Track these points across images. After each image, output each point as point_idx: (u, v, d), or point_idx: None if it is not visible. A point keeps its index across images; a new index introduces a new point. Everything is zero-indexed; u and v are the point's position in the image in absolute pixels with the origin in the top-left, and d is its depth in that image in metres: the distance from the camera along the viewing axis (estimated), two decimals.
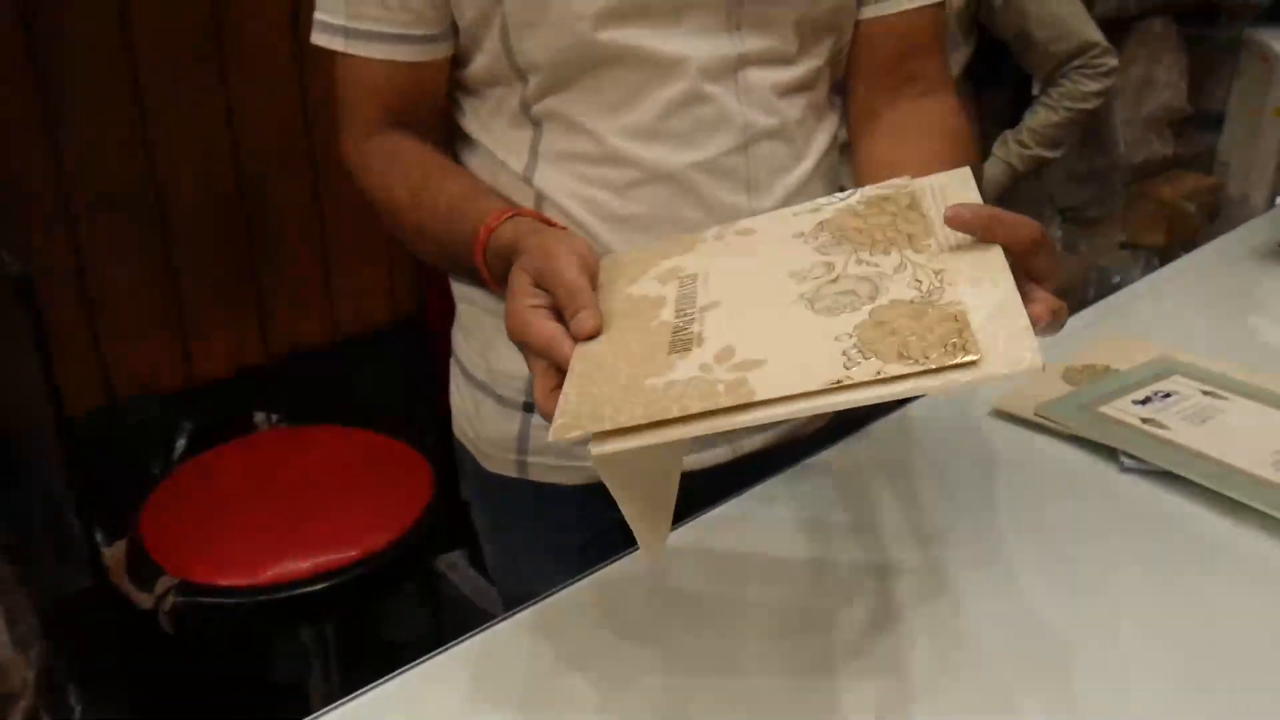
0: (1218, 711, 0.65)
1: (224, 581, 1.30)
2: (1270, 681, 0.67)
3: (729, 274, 0.65)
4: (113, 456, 1.57)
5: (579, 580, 0.77)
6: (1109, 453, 0.89)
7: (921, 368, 0.50)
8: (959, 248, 0.59)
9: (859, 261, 0.60)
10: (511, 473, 0.93)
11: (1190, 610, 0.73)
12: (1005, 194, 1.93)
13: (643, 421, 0.54)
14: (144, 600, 1.30)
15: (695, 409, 0.53)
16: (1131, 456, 0.88)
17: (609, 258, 0.71)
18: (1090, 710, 0.64)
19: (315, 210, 1.71)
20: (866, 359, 0.51)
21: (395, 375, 1.74)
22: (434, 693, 0.68)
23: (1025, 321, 0.52)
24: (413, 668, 0.70)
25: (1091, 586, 0.75)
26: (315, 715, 0.66)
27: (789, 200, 0.84)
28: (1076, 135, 1.94)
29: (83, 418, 1.54)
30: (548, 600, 0.75)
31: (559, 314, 0.64)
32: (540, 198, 0.83)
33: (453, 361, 0.99)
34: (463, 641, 0.72)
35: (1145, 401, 0.95)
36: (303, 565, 1.32)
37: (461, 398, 0.97)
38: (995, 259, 0.57)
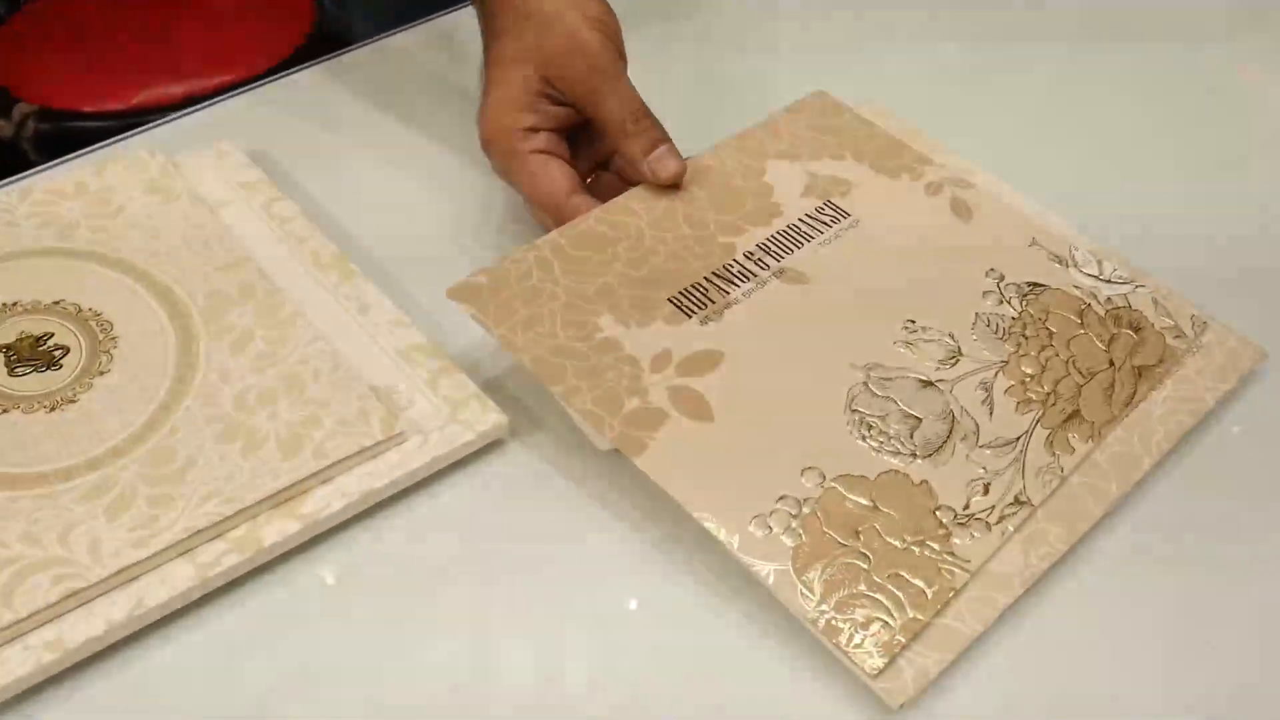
0: None
1: (89, 107, 1.20)
2: None
3: (866, 249, 0.50)
4: None
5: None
6: None
7: None
8: None
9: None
10: None
11: None
12: None
13: (525, 365, 0.44)
14: (3, 129, 1.20)
15: (576, 409, 0.43)
16: None
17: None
18: None
19: None
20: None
21: None
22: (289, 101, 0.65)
23: None
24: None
25: None
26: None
27: None
28: None
29: None
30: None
31: (568, 130, 0.52)
32: None
33: None
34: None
35: None
36: (174, 90, 1.23)
37: None
38: None
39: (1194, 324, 0.49)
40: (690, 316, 0.47)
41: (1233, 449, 0.46)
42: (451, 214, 0.57)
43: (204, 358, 0.46)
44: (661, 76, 0.56)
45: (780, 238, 0.51)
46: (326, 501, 0.42)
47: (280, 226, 0.53)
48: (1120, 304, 0.49)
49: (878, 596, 0.39)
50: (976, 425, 0.44)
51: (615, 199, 0.52)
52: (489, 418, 0.45)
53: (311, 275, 0.51)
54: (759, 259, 0.50)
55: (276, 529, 0.41)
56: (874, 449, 0.43)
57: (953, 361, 0.47)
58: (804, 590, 0.39)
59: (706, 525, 0.40)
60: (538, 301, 0.47)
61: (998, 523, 0.41)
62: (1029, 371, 0.46)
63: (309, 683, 0.38)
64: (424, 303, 0.51)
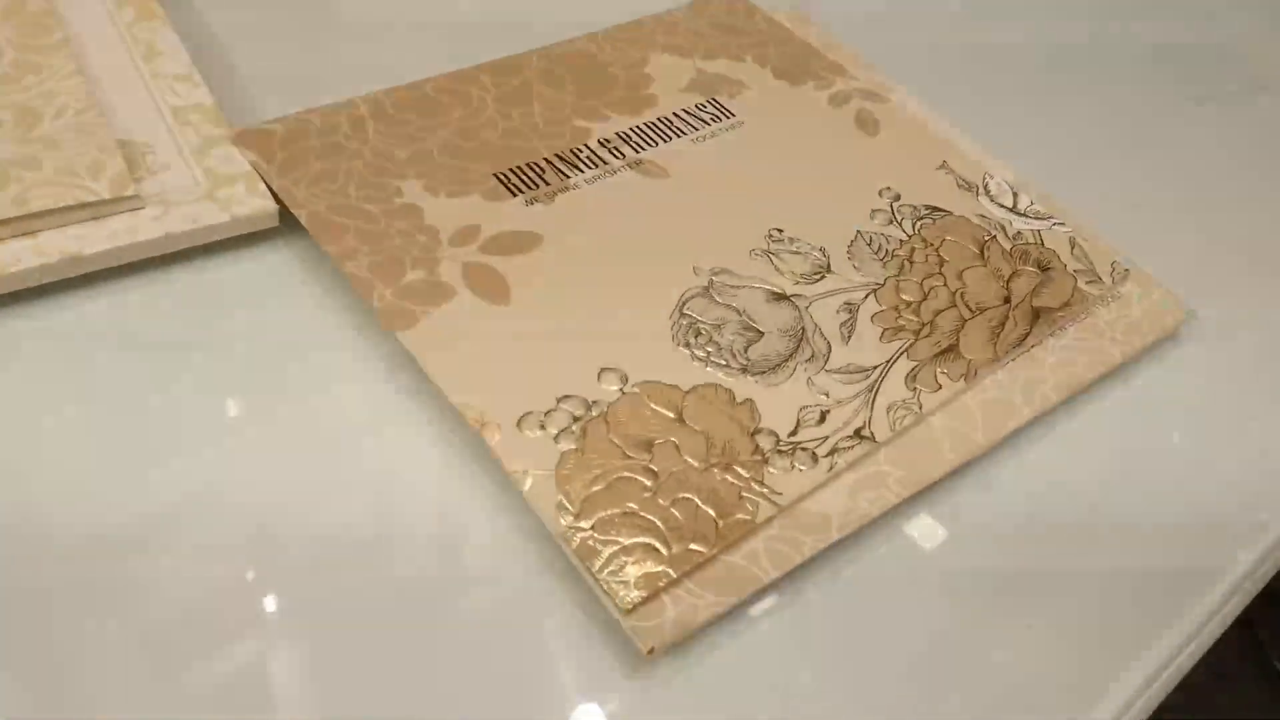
0: None
1: None
2: None
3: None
4: None
5: None
6: None
7: None
8: None
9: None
10: None
11: None
12: None
13: (302, 221, 0.38)
14: None
15: (348, 274, 0.36)
16: None
17: None
18: None
19: None
20: None
21: None
22: None
23: None
24: None
25: None
26: None
27: None
28: None
29: None
30: None
31: None
32: None
33: None
34: None
35: None
36: None
37: None
38: None
39: (1114, 271, 0.41)
40: (515, 195, 0.40)
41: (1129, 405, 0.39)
42: None
43: None
44: None
45: (646, 129, 0.44)
46: (17, 257, 0.34)
47: None
48: (1030, 240, 0.42)
49: (654, 520, 0.31)
50: (829, 347, 0.37)
51: (466, 68, 0.45)
52: (253, 202, 0.38)
53: (104, 6, 0.44)
54: (615, 147, 0.43)
55: None
56: (697, 358, 0.36)
57: (817, 277, 0.39)
58: (563, 501, 0.31)
59: (466, 415, 0.33)
60: (336, 158, 0.40)
61: (828, 455, 0.34)
62: (907, 298, 0.39)
63: None
64: (240, 69, 0.44)
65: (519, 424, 0.33)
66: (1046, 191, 0.45)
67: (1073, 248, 0.42)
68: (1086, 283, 0.41)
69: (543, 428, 0.33)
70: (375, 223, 0.38)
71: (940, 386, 0.36)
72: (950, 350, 0.37)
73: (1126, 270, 0.41)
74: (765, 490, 0.32)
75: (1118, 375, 0.39)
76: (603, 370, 0.35)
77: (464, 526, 0.32)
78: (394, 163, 0.40)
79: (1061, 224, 0.43)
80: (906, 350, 0.37)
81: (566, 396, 0.34)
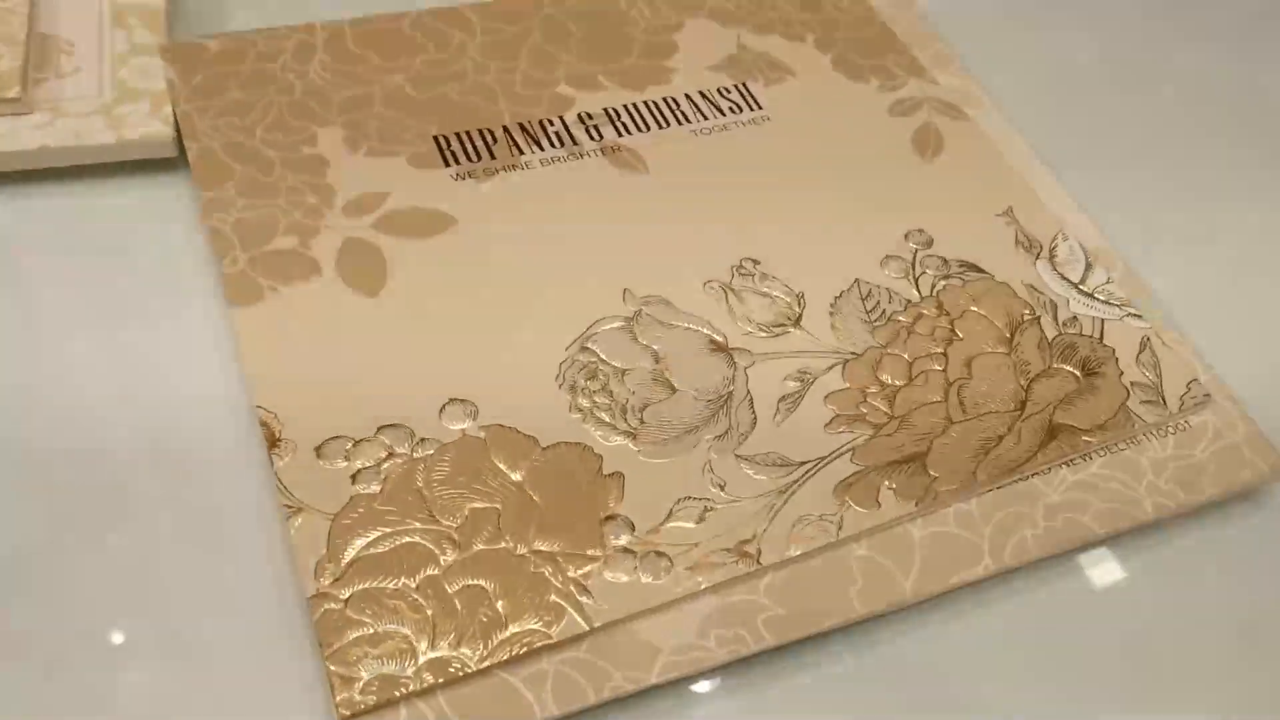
0: None
1: None
2: None
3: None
4: None
5: None
6: None
7: None
8: None
9: None
10: None
11: None
12: None
13: (190, 158, 0.33)
14: None
15: (209, 226, 0.31)
16: None
17: None
18: None
19: None
20: None
21: None
22: None
23: None
24: None
25: None
26: None
27: None
28: None
29: None
30: None
31: None
32: None
33: None
34: None
35: None
36: None
37: None
38: None
39: (1188, 393, 0.31)
40: (448, 165, 0.34)
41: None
42: None
43: None
44: None
45: (643, 109, 0.36)
46: None
47: None
48: (1086, 331, 0.32)
49: (425, 607, 0.25)
50: (753, 424, 0.29)
51: (459, 5, 0.39)
52: (149, 126, 0.33)
53: None
54: (594, 126, 0.36)
55: None
56: (578, 408, 0.29)
57: (779, 331, 0.31)
58: (325, 559, 0.26)
59: (261, 420, 0.27)
60: (261, 89, 0.35)
61: (689, 569, 0.26)
62: (886, 379, 0.30)
63: None
64: None
65: (319, 449, 0.27)
66: (1137, 271, 0.34)
67: (1141, 351, 0.32)
68: (1142, 403, 0.31)
69: (346, 459, 0.27)
70: (268, 172, 0.32)
71: (879, 505, 0.28)
72: (913, 459, 0.29)
73: (1207, 395, 0.31)
74: (585, 601, 0.25)
75: (1147, 533, 0.29)
76: (450, 401, 0.28)
77: (235, 552, 0.27)
78: (324, 105, 0.34)
79: (1137, 315, 0.33)
80: (854, 448, 0.29)
81: (390, 426, 0.28)
